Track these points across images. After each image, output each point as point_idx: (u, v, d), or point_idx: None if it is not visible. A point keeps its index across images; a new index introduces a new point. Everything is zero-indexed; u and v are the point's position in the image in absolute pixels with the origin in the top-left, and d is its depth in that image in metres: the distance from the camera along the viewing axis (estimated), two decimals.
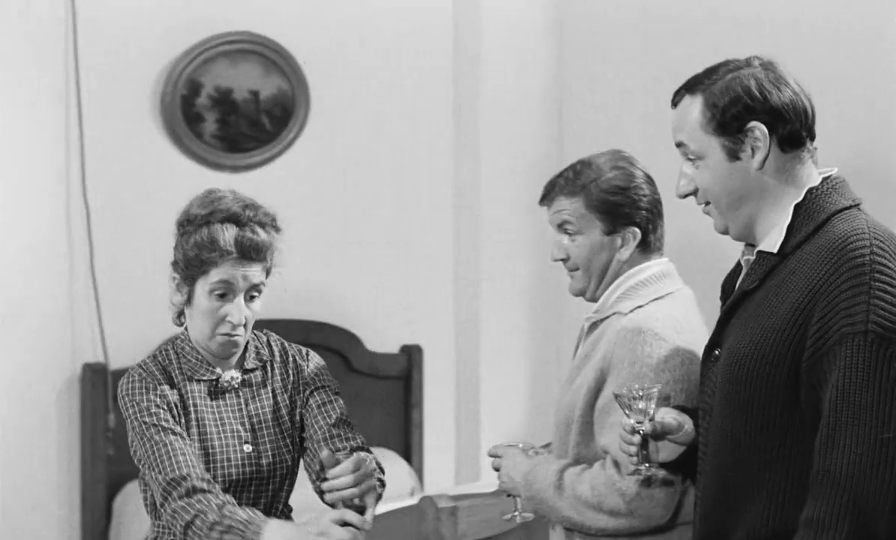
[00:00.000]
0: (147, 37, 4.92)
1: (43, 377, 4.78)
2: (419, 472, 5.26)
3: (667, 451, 2.57)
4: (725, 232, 2.43)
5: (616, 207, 2.82)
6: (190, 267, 2.76)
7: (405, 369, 5.36)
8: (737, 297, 2.39)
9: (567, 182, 2.85)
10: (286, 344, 2.95)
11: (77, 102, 4.77)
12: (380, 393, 5.30)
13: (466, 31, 5.43)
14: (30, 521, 4.77)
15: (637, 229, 2.84)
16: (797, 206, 2.33)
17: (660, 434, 2.54)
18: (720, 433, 2.36)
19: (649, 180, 2.88)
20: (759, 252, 2.37)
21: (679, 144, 2.41)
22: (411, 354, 5.36)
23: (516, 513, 2.82)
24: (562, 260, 2.90)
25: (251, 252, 2.74)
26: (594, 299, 2.90)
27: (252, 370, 2.88)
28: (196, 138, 5.00)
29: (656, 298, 2.82)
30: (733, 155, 2.35)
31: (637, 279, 2.86)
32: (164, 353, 2.86)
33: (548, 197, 2.90)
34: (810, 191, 2.34)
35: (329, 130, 5.26)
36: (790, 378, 2.24)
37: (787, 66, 2.43)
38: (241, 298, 2.76)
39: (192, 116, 4.99)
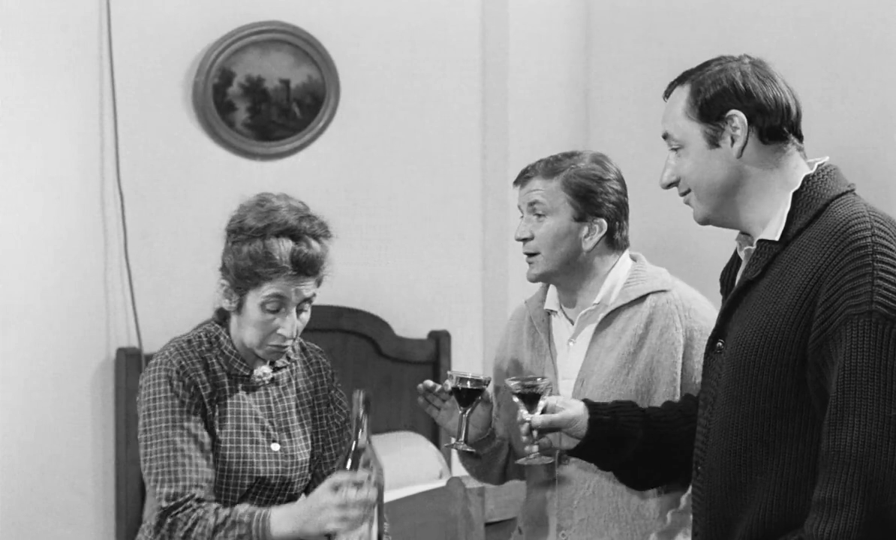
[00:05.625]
0: (179, 27, 4.95)
1: (78, 362, 4.81)
2: (447, 455, 5.29)
3: (567, 441, 2.65)
4: (706, 222, 2.44)
5: (589, 194, 2.88)
6: (242, 278, 2.69)
7: (433, 355, 5.38)
8: (740, 286, 2.40)
9: (546, 165, 2.90)
10: (302, 340, 2.92)
11: (111, 92, 4.80)
12: (408, 378, 5.32)
13: (494, 21, 5.44)
14: (66, 500, 4.81)
15: (604, 222, 2.90)
16: (795, 194, 2.35)
17: (547, 428, 2.60)
18: (726, 421, 2.35)
19: (621, 180, 2.95)
20: (760, 241, 2.38)
21: (665, 136, 2.44)
22: (439, 340, 5.39)
23: (459, 441, 2.75)
24: (524, 240, 2.91)
25: (307, 268, 2.70)
26: (549, 281, 2.96)
27: (281, 368, 2.86)
28: (228, 127, 5.03)
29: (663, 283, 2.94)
30: (713, 142, 2.38)
31: (633, 266, 2.96)
32: (199, 339, 2.79)
33: (523, 177, 2.94)
34: (807, 178, 2.36)
35: (359, 119, 5.28)
36: (797, 362, 2.25)
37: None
38: (293, 312, 2.72)
39: (223, 105, 5.02)
